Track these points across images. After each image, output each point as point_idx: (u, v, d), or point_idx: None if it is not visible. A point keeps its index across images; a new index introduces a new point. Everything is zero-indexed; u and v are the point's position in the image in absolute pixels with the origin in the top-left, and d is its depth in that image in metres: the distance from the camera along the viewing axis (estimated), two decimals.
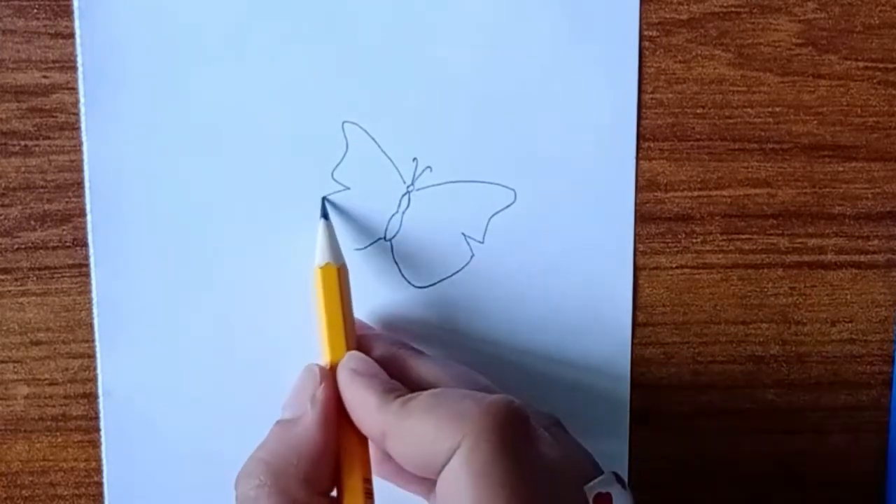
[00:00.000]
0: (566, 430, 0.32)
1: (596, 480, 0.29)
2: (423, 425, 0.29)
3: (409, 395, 0.30)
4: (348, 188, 0.37)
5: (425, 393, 0.30)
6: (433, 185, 0.37)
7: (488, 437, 0.28)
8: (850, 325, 0.39)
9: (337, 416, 0.31)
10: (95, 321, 0.37)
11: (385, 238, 0.37)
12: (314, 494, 0.31)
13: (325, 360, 0.33)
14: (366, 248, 0.37)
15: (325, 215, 0.35)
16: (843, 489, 0.40)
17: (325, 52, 0.36)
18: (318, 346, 0.34)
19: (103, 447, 0.37)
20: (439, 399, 0.30)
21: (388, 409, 0.30)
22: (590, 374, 0.38)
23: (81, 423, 0.38)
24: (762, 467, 0.39)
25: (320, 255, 0.34)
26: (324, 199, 0.36)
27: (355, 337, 0.34)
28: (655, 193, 0.37)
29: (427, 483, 0.32)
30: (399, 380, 0.32)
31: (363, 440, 0.32)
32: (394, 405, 0.30)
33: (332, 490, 0.32)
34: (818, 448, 0.39)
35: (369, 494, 0.31)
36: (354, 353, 0.33)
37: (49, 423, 0.38)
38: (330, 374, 0.32)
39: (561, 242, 0.37)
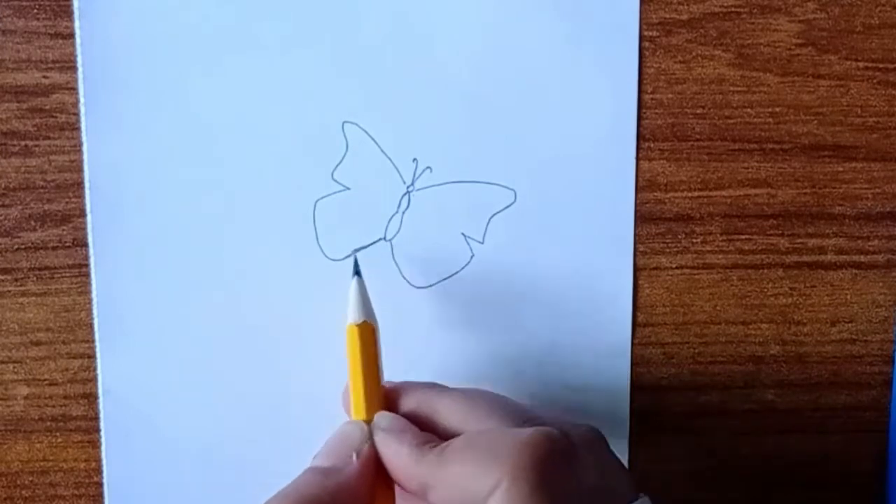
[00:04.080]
0: (606, 443, 0.32)
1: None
2: (462, 470, 0.29)
3: (444, 444, 0.31)
4: (348, 188, 0.37)
5: (460, 438, 0.31)
6: (433, 185, 0.37)
7: (526, 475, 0.28)
8: (850, 325, 0.39)
9: (376, 472, 0.32)
10: (95, 321, 0.37)
11: (385, 238, 0.37)
12: None
13: (359, 415, 0.33)
14: (366, 248, 0.37)
15: (357, 272, 0.35)
16: (843, 489, 0.40)
17: (325, 52, 0.36)
18: (340, 397, 0.35)
19: (103, 447, 0.37)
20: (474, 441, 0.30)
21: (426, 461, 0.30)
22: (590, 373, 0.38)
23: (81, 423, 0.38)
24: (762, 467, 0.39)
25: (356, 312, 0.34)
26: (355, 256, 0.36)
27: (382, 392, 0.34)
28: (655, 193, 0.37)
29: None
30: (430, 425, 0.32)
31: (393, 499, 0.32)
32: (430, 456, 0.30)
33: None
34: (818, 448, 0.39)
35: None
36: (383, 413, 0.33)
37: (49, 423, 0.38)
38: (370, 431, 0.33)
39: (561, 242, 0.37)
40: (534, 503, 0.28)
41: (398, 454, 0.31)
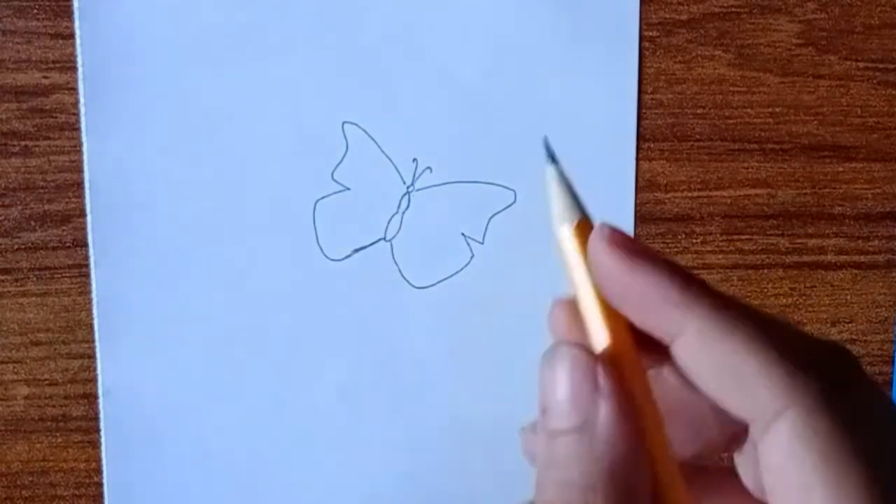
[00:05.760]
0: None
1: None
2: (742, 360, 0.23)
3: (722, 298, 0.24)
4: (348, 188, 0.37)
5: (746, 309, 0.24)
6: (433, 186, 0.37)
7: (824, 408, 0.23)
8: (850, 325, 0.39)
9: (634, 401, 0.24)
10: (95, 321, 0.37)
11: (385, 238, 0.37)
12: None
13: (595, 339, 0.25)
14: (366, 248, 0.37)
15: (554, 159, 0.26)
16: None
17: (326, 52, 0.36)
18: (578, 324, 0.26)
19: (103, 447, 0.37)
20: (766, 334, 0.24)
21: (697, 309, 0.24)
22: None
23: (81, 424, 0.38)
24: None
25: (571, 209, 0.26)
26: (546, 138, 0.26)
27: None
28: (655, 194, 0.37)
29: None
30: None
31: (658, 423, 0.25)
32: (705, 304, 0.24)
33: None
34: None
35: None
36: (611, 226, 0.24)
37: (49, 423, 0.38)
38: (604, 356, 0.25)
39: None
40: (837, 445, 0.23)
41: (657, 289, 0.24)
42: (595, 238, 0.25)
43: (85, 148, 0.36)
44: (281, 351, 0.37)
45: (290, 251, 0.37)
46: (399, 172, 0.37)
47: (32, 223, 0.37)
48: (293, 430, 0.37)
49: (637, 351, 0.25)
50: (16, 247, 0.37)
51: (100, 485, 0.37)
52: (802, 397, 0.23)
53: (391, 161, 0.37)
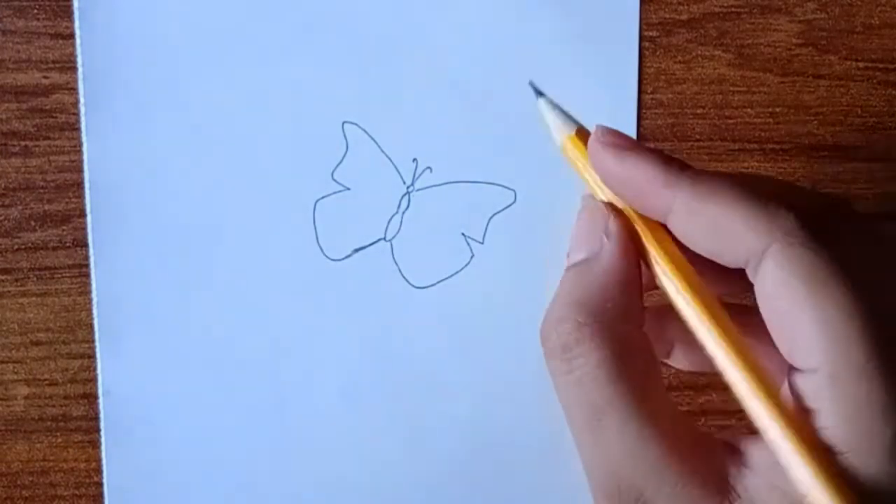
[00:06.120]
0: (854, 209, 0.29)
1: None
2: (725, 214, 0.27)
3: (699, 172, 0.28)
4: (348, 188, 0.37)
5: (722, 175, 0.28)
6: (433, 186, 0.37)
7: (803, 241, 0.26)
8: None
9: (635, 245, 0.29)
10: (95, 321, 0.37)
11: (385, 238, 0.37)
12: (633, 327, 0.29)
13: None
14: (366, 248, 0.37)
15: (541, 93, 0.32)
16: None
17: (325, 52, 0.36)
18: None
19: (103, 447, 0.37)
20: (742, 190, 0.27)
21: (679, 184, 0.27)
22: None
23: (81, 424, 0.38)
24: None
25: (567, 123, 0.31)
26: (532, 82, 0.32)
27: None
28: None
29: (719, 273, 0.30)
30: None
31: (677, 255, 0.29)
32: (684, 180, 0.27)
33: (644, 323, 0.30)
34: None
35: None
36: (605, 128, 0.29)
37: (49, 423, 0.38)
38: (615, 207, 0.30)
39: (561, 242, 0.37)
40: (818, 271, 0.25)
41: (643, 174, 0.28)
42: (592, 140, 0.29)
43: (85, 148, 0.36)
44: (281, 351, 0.37)
45: (290, 251, 0.37)
46: (399, 172, 0.37)
47: (32, 223, 0.37)
48: (293, 429, 0.37)
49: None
50: (16, 247, 0.37)
51: (100, 485, 0.37)
52: (783, 233, 0.26)
53: (391, 161, 0.37)
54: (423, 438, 0.38)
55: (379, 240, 0.37)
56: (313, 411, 0.37)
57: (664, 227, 0.29)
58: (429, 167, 0.37)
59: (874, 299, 0.26)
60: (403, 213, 0.37)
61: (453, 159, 0.37)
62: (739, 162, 0.37)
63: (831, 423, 0.26)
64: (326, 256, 0.37)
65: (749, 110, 0.37)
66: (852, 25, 0.37)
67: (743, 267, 0.27)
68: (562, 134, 0.31)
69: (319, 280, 0.37)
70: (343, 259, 0.37)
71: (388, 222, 0.37)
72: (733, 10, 0.37)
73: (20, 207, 0.36)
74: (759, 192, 0.27)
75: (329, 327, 0.37)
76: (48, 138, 0.36)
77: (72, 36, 0.35)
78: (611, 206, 0.30)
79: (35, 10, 0.35)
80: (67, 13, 0.35)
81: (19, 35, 0.36)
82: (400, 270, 0.37)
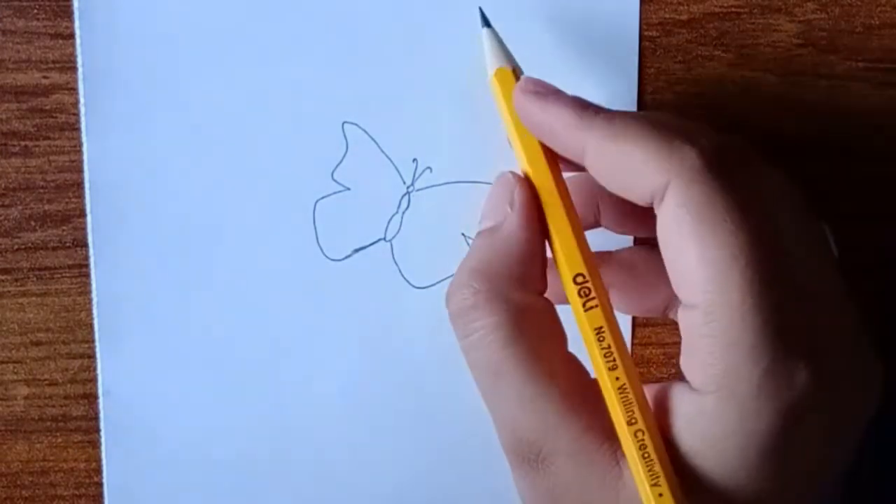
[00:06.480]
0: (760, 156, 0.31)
1: None
2: (631, 152, 0.28)
3: (612, 114, 0.29)
4: (348, 188, 0.37)
5: (630, 116, 0.29)
6: (433, 186, 0.37)
7: (700, 177, 0.27)
8: None
9: (539, 216, 0.31)
10: (95, 321, 0.37)
11: (385, 238, 0.37)
12: (531, 294, 0.30)
13: (520, 167, 0.32)
14: (366, 248, 0.37)
15: (487, 23, 0.34)
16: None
17: (325, 52, 0.36)
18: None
19: (103, 447, 0.37)
20: (648, 129, 0.28)
21: (591, 125, 0.29)
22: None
23: (81, 424, 0.38)
24: None
25: (500, 60, 0.33)
26: (480, 8, 0.34)
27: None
28: None
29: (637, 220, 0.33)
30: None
31: (568, 235, 0.31)
32: (597, 121, 0.29)
33: (545, 290, 0.31)
34: None
35: (586, 290, 0.30)
36: (530, 78, 0.32)
37: (49, 423, 0.38)
38: (524, 179, 0.31)
39: None
40: (712, 204, 0.27)
41: (557, 114, 0.30)
42: (516, 89, 0.31)
43: (85, 148, 0.36)
44: (281, 351, 0.37)
45: (289, 251, 0.37)
46: (399, 172, 0.37)
47: (32, 223, 0.37)
48: (293, 430, 0.37)
49: (556, 175, 0.31)
50: (16, 247, 0.37)
51: (100, 485, 0.37)
52: (683, 169, 0.27)
53: (391, 161, 0.37)
54: (424, 438, 0.38)
55: (379, 240, 0.37)
56: (313, 411, 0.37)
57: (570, 202, 0.31)
58: (429, 167, 0.37)
59: (759, 240, 0.27)
60: (403, 213, 0.37)
61: (453, 159, 0.37)
62: None
63: (706, 362, 0.27)
64: (326, 256, 0.37)
65: (749, 110, 0.37)
66: (852, 25, 0.37)
67: (651, 203, 0.28)
68: (493, 67, 0.33)
69: (319, 280, 0.37)
70: (343, 259, 0.37)
71: (388, 222, 0.37)
72: (733, 10, 0.37)
73: (20, 207, 0.36)
74: (664, 129, 0.28)
75: (329, 327, 0.37)
76: (48, 138, 0.36)
77: (72, 36, 0.35)
78: (518, 178, 0.31)
79: (35, 10, 0.35)
80: (67, 13, 0.35)
81: (19, 35, 0.36)
82: (400, 270, 0.37)
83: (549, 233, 0.31)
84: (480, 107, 0.36)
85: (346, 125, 0.36)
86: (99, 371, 0.37)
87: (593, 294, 0.30)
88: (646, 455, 0.28)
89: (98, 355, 0.37)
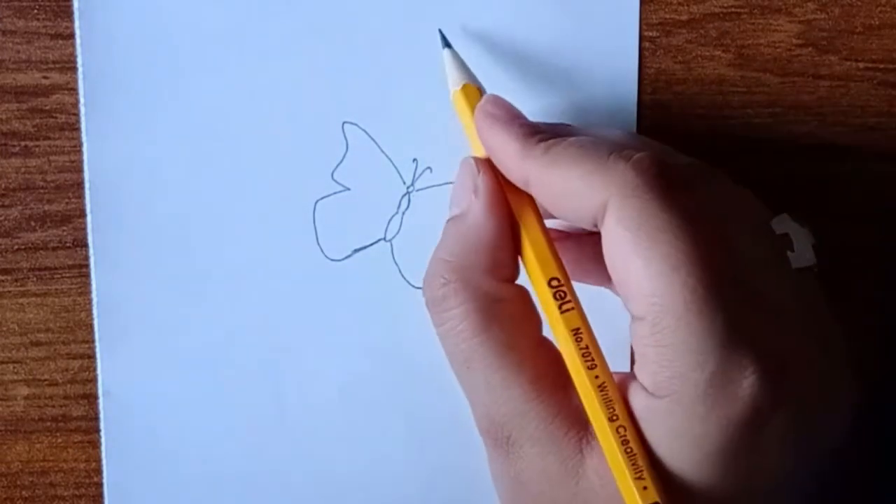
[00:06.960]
0: (727, 178, 0.31)
1: (773, 221, 0.29)
2: (567, 177, 0.29)
3: (553, 141, 0.30)
4: (348, 189, 0.37)
5: (569, 141, 0.30)
6: (433, 186, 0.37)
7: (637, 192, 0.27)
8: None
9: (505, 200, 0.31)
10: (95, 321, 0.37)
11: (385, 238, 0.37)
12: (500, 282, 0.31)
13: (478, 151, 0.33)
14: (366, 248, 0.37)
15: (448, 45, 0.35)
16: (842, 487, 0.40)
17: (325, 52, 0.36)
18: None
19: (103, 448, 0.37)
20: (584, 150, 0.29)
21: (531, 154, 0.29)
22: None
23: (81, 424, 0.38)
24: None
25: (463, 78, 0.34)
26: (441, 31, 0.35)
27: None
28: None
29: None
30: None
31: (538, 220, 0.31)
32: (537, 151, 0.29)
33: (517, 276, 0.31)
34: None
35: (561, 294, 0.30)
36: (491, 96, 0.32)
37: (49, 423, 0.38)
38: (487, 163, 0.32)
39: None
40: (649, 216, 0.27)
41: (502, 144, 0.30)
42: (477, 110, 0.32)
43: (85, 148, 0.36)
44: (281, 351, 0.37)
45: (289, 251, 0.37)
46: (399, 172, 0.37)
47: (32, 223, 0.37)
48: (293, 430, 0.37)
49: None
50: (16, 247, 0.37)
51: (100, 485, 0.37)
52: (618, 186, 0.28)
53: (391, 161, 0.37)
54: (424, 438, 0.38)
55: (379, 240, 0.37)
56: (313, 411, 0.37)
57: (535, 205, 0.31)
58: (429, 167, 0.37)
59: (704, 251, 0.27)
60: (403, 213, 0.37)
61: (453, 159, 0.37)
62: (739, 162, 0.37)
63: (654, 370, 0.27)
64: (326, 257, 0.37)
65: (749, 110, 0.37)
66: (852, 25, 0.37)
67: (597, 226, 0.29)
68: (455, 86, 0.33)
69: (319, 280, 0.37)
70: (343, 259, 0.37)
71: (388, 222, 0.37)
72: (733, 10, 0.37)
73: (20, 207, 0.36)
74: (601, 149, 0.29)
75: (329, 327, 0.37)
76: (48, 138, 0.36)
77: (72, 36, 0.35)
78: (482, 163, 0.32)
79: (35, 10, 0.35)
80: (67, 13, 0.35)
81: (19, 35, 0.36)
82: (400, 270, 0.37)
83: (520, 237, 0.31)
84: None
85: (346, 125, 0.36)
86: (99, 371, 0.37)
87: (569, 297, 0.30)
88: (629, 450, 0.28)
89: (98, 355, 0.37)
